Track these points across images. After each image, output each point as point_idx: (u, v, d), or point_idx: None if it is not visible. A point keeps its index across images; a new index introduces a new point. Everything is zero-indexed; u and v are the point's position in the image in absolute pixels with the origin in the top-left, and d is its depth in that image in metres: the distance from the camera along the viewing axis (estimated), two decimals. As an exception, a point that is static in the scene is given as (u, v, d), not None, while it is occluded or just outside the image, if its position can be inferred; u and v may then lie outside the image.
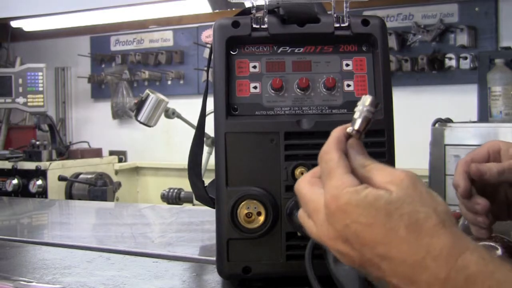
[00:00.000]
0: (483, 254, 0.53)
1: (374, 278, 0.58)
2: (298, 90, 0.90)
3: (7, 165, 3.43)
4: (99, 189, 3.17)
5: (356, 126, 0.62)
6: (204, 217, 1.58)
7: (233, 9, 2.52)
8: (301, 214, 0.64)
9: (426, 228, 0.54)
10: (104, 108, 4.40)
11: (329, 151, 0.62)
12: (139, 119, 2.70)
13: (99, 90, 4.47)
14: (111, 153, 4.12)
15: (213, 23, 0.92)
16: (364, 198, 0.56)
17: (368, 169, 0.60)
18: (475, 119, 3.05)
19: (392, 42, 3.41)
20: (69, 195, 3.33)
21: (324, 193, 0.59)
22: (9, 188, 3.34)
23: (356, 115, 0.63)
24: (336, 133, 0.63)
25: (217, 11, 3.07)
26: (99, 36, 4.45)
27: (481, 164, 0.81)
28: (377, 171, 0.59)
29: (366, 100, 0.62)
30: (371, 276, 0.58)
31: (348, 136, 0.63)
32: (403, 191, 0.56)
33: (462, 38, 3.28)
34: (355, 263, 0.58)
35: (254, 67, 0.91)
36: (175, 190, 2.97)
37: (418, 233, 0.54)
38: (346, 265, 0.65)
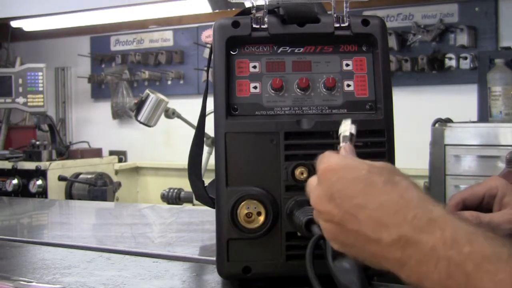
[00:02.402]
0: (446, 208, 0.62)
1: (349, 231, 0.64)
2: (298, 90, 0.90)
3: (7, 165, 3.43)
4: (99, 189, 3.17)
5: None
6: (204, 217, 1.58)
7: (233, 9, 2.52)
8: (310, 181, 0.72)
9: (401, 185, 0.64)
10: (104, 108, 4.40)
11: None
12: (139, 119, 2.70)
13: (99, 90, 4.47)
14: (111, 153, 4.12)
15: (213, 23, 0.92)
16: (353, 162, 0.68)
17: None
18: (475, 119, 3.05)
19: (392, 42, 3.41)
20: (69, 195, 3.32)
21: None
22: (9, 188, 3.34)
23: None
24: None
25: (217, 11, 3.06)
26: (99, 36, 4.45)
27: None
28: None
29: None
30: (347, 227, 0.64)
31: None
32: (385, 166, 0.67)
33: (462, 38, 3.28)
34: (334, 222, 0.65)
35: (254, 67, 0.91)
36: (175, 190, 2.97)
37: (394, 186, 0.64)
38: (346, 263, 0.68)
